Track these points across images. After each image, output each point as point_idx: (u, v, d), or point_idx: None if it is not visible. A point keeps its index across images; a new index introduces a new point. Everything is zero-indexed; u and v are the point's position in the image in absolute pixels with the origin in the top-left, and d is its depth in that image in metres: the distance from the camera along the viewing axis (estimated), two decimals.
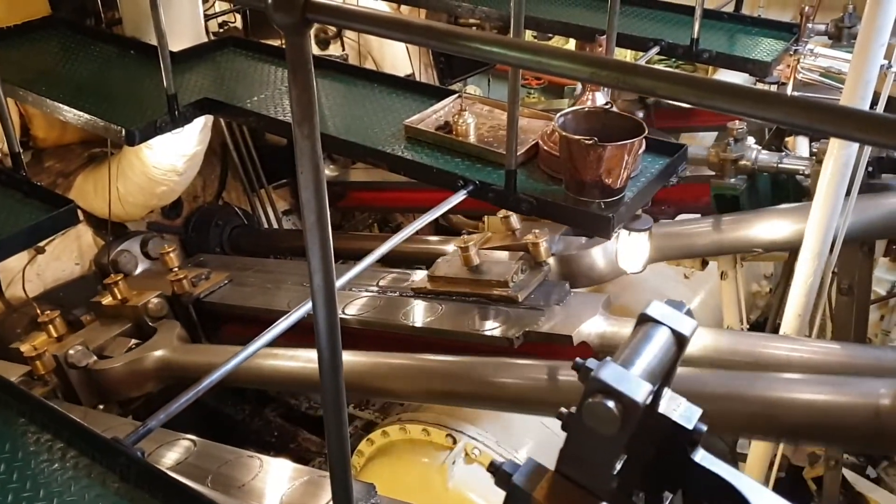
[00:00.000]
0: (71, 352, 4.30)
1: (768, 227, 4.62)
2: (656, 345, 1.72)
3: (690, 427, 1.74)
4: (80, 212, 3.81)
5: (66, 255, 5.68)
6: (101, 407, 4.47)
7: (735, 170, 4.94)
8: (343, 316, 4.17)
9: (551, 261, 4.34)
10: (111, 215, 5.63)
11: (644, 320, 1.77)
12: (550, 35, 5.80)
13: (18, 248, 3.24)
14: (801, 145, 5.78)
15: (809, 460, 5.18)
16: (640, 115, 5.80)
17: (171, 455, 3.17)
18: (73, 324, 5.44)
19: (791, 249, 4.67)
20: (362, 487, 2.67)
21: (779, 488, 4.88)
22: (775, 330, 4.49)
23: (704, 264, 5.88)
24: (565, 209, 3.11)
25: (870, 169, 4.60)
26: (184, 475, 2.20)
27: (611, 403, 1.56)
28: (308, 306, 2.68)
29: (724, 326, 6.05)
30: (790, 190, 5.28)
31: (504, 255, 4.30)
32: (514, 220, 4.54)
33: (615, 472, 1.66)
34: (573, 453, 1.70)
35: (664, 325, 1.74)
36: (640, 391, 1.57)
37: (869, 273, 4.99)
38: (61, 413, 2.30)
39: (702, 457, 1.76)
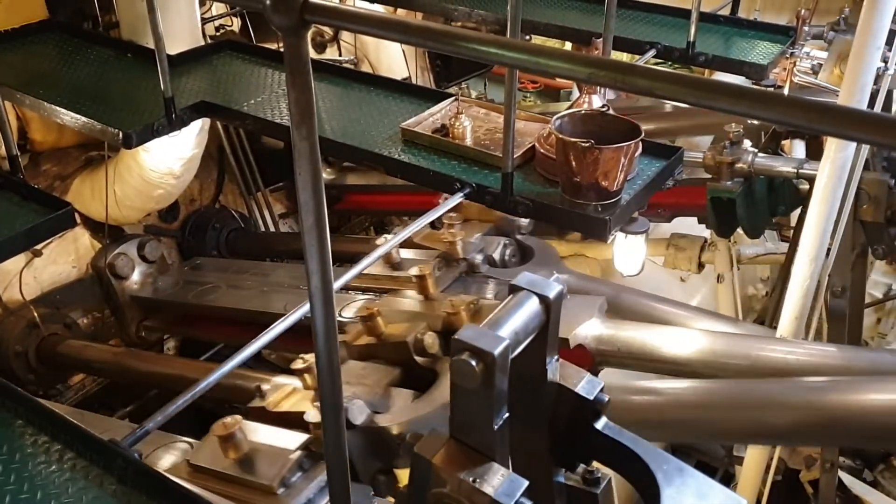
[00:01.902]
0: (348, 406, 2.71)
1: None
2: (521, 309, 1.81)
3: (591, 398, 1.88)
4: (77, 215, 3.80)
5: (62, 258, 5.67)
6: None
7: (731, 173, 4.95)
8: (340, 319, 4.16)
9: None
10: (108, 218, 5.62)
11: (513, 290, 1.86)
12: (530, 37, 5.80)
13: (15, 250, 3.23)
14: (798, 148, 5.80)
15: (806, 463, 5.18)
16: None
17: (168, 458, 3.16)
18: (69, 326, 5.45)
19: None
20: (360, 489, 2.67)
21: (775, 491, 4.89)
22: None
23: (701, 267, 5.89)
24: (562, 212, 3.11)
25: (893, 182, 4.59)
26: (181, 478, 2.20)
27: (472, 361, 1.65)
28: (305, 308, 2.67)
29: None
30: (786, 193, 5.29)
31: (424, 253, 4.25)
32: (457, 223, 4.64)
33: (497, 429, 1.74)
34: (458, 416, 1.79)
35: (531, 291, 1.84)
36: (497, 345, 1.66)
37: (862, 275, 5.00)
38: (59, 415, 2.29)
39: (604, 425, 1.90)
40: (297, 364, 2.79)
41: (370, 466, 2.80)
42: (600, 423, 1.90)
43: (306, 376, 2.78)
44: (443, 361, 3.10)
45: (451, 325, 3.17)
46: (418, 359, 3.06)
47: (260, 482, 2.57)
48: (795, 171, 4.86)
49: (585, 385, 1.91)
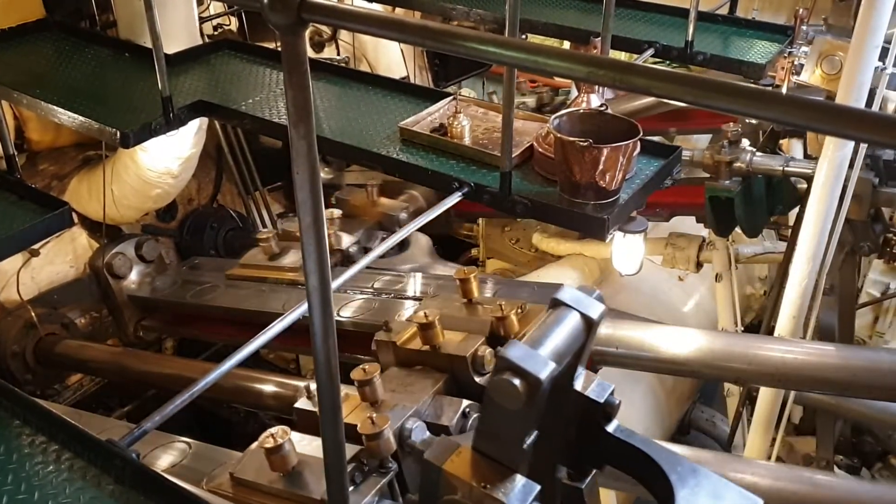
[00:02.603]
0: (408, 425, 2.69)
1: None
2: (565, 327, 1.79)
3: (602, 401, 1.85)
4: (74, 214, 3.80)
5: (60, 258, 5.67)
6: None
7: (729, 172, 4.95)
8: (338, 318, 4.16)
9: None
10: (106, 218, 5.62)
11: (555, 304, 1.84)
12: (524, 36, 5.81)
13: (13, 250, 3.24)
14: (796, 148, 5.80)
15: (804, 461, 5.20)
16: None
17: (167, 457, 3.16)
18: (67, 326, 5.45)
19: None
20: None
21: None
22: (770, 332, 4.50)
23: (699, 266, 5.90)
24: (560, 211, 3.11)
25: (876, 180, 4.60)
26: (179, 477, 2.19)
27: (516, 380, 1.62)
28: (303, 308, 2.67)
29: (718, 328, 6.06)
30: (784, 192, 5.30)
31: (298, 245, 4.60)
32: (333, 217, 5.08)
33: (525, 447, 1.73)
34: (486, 429, 1.78)
35: (574, 308, 1.82)
36: (543, 369, 1.64)
37: (852, 273, 5.01)
38: (56, 415, 2.29)
39: (615, 428, 1.87)
40: (357, 375, 2.68)
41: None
42: (612, 427, 1.88)
43: (366, 389, 2.67)
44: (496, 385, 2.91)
45: (499, 329, 3.08)
46: (476, 378, 2.97)
47: (310, 497, 2.47)
48: (781, 168, 4.87)
49: (596, 388, 1.89)
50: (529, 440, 1.73)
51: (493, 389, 1.68)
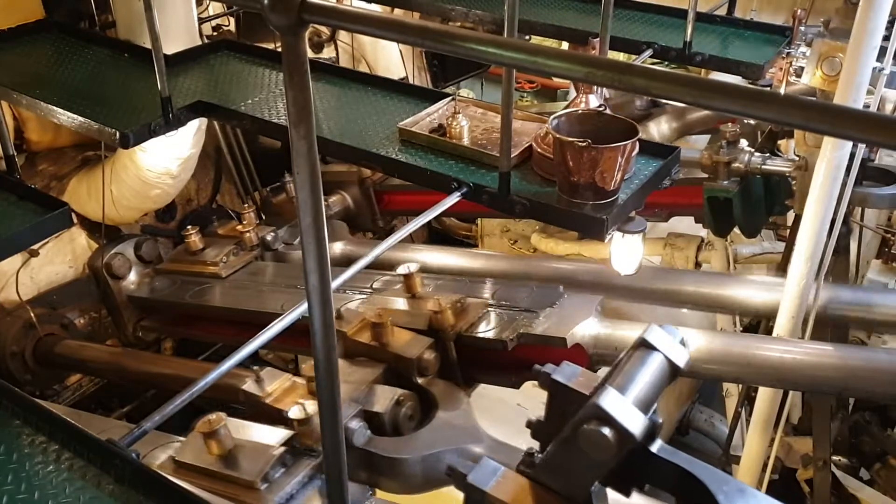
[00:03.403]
0: (351, 425, 2.97)
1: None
2: (651, 371, 1.74)
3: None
4: (73, 215, 3.80)
5: (59, 259, 5.66)
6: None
7: (728, 172, 4.95)
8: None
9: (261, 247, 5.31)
10: (105, 218, 5.62)
11: (641, 344, 1.78)
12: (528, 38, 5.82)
13: (12, 250, 3.24)
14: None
15: (803, 462, 5.20)
16: None
17: (166, 457, 3.16)
18: (66, 327, 5.44)
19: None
20: (357, 489, 2.68)
21: (772, 490, 4.89)
22: (768, 332, 4.50)
23: (698, 266, 5.90)
24: (559, 211, 3.11)
25: None
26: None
27: (607, 431, 1.58)
28: (303, 308, 2.68)
29: (717, 328, 6.06)
30: (783, 193, 5.30)
31: (224, 242, 5.31)
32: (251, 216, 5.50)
33: (593, 490, 1.70)
34: (556, 466, 1.73)
35: (660, 352, 1.76)
36: (637, 423, 1.59)
37: (844, 273, 5.02)
38: (56, 415, 2.29)
39: (659, 447, 1.80)
40: (307, 371, 2.94)
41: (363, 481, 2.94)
42: (655, 446, 1.80)
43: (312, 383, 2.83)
44: (436, 383, 3.39)
45: (437, 323, 3.51)
46: (419, 379, 3.30)
47: (242, 478, 2.65)
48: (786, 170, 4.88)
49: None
50: (597, 484, 1.69)
51: (583, 438, 1.62)
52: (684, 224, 6.13)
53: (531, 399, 5.01)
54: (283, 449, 2.76)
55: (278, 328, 2.73)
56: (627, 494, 1.87)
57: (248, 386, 3.17)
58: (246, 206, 5.74)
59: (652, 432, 1.77)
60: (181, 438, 3.25)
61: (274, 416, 2.98)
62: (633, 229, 3.89)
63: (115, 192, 5.50)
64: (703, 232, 5.87)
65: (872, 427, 5.44)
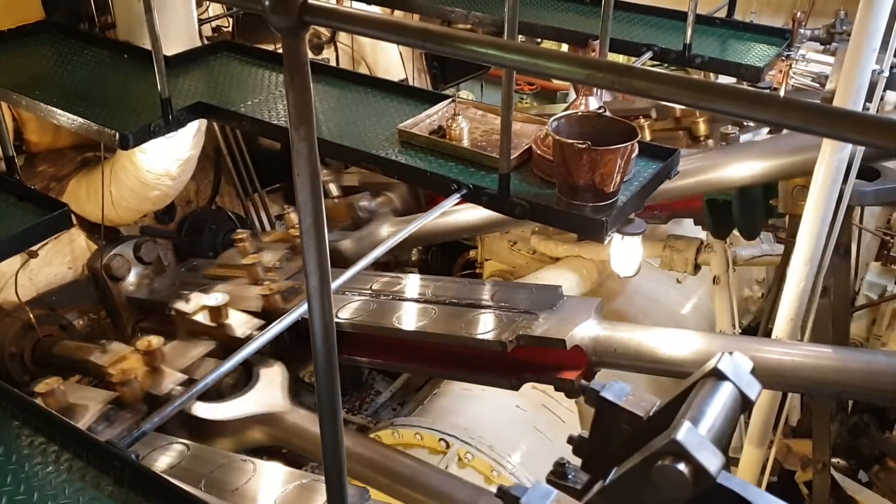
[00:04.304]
0: (174, 393, 3.71)
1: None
2: (723, 404, 1.67)
3: None
4: (73, 216, 3.80)
5: (58, 260, 5.67)
6: None
7: None
8: (336, 320, 4.17)
9: None
10: (104, 219, 5.62)
11: (714, 374, 1.73)
12: (538, 40, 5.83)
13: (11, 251, 3.23)
14: None
15: (802, 464, 5.20)
16: None
17: (165, 459, 3.17)
18: (66, 328, 5.44)
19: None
20: (356, 491, 2.68)
21: (770, 492, 4.89)
22: (768, 334, 4.50)
23: (697, 269, 5.90)
24: (558, 213, 3.11)
25: None
26: (177, 479, 2.20)
27: (684, 468, 1.53)
28: (302, 309, 2.68)
29: (716, 331, 6.07)
30: None
31: (276, 246, 5.18)
32: (293, 216, 5.36)
33: None
34: (618, 495, 1.69)
35: (733, 384, 1.70)
36: (714, 462, 1.54)
37: (846, 275, 5.02)
38: (55, 416, 2.29)
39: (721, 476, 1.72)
40: (143, 345, 3.82)
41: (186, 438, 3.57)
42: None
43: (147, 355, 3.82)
44: (263, 359, 4.18)
45: (269, 305, 4.38)
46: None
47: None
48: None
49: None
50: None
51: (658, 475, 1.57)
52: (684, 226, 6.15)
53: (530, 400, 5.02)
54: (109, 406, 3.54)
55: (278, 329, 2.74)
56: None
57: (94, 357, 3.99)
58: (288, 208, 5.70)
59: None
60: (181, 440, 3.27)
61: (107, 380, 3.78)
62: (633, 231, 3.91)
63: (114, 194, 5.50)
64: (703, 234, 5.87)
65: (871, 429, 5.45)
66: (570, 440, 1.77)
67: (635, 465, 1.63)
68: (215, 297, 4.28)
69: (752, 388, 1.71)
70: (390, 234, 5.48)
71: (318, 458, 3.97)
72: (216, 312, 4.24)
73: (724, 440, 1.65)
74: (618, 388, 1.78)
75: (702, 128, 5.77)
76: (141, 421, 3.19)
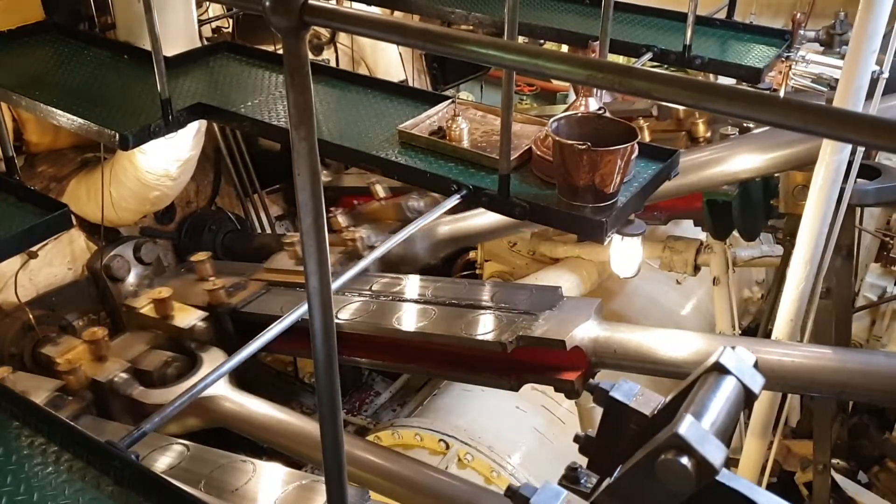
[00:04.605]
0: (116, 379, 4.12)
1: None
2: (726, 398, 1.67)
3: None
4: (72, 216, 3.80)
5: (58, 260, 5.66)
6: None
7: None
8: (336, 320, 4.16)
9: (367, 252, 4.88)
10: (104, 220, 5.62)
11: (716, 368, 1.73)
12: (542, 41, 5.83)
13: (11, 252, 3.23)
14: None
15: (801, 465, 5.20)
16: None
17: (165, 459, 3.17)
18: (65, 328, 5.44)
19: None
20: (356, 492, 2.68)
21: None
22: (767, 335, 4.51)
23: (697, 270, 5.91)
24: (558, 213, 3.11)
25: None
26: (177, 479, 2.20)
27: (687, 462, 1.52)
28: (302, 309, 2.68)
29: (716, 332, 6.07)
30: None
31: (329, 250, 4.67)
32: (342, 217, 5.36)
33: None
34: (624, 493, 1.68)
35: (736, 378, 1.70)
36: (717, 455, 1.53)
37: (848, 276, 5.02)
38: (55, 416, 2.29)
39: (721, 474, 1.70)
40: (88, 335, 4.20)
41: (129, 422, 4.02)
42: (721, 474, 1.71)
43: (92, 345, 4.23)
44: (206, 347, 4.47)
45: (214, 299, 4.69)
46: (190, 343, 4.45)
47: None
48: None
49: None
50: None
51: (661, 469, 1.56)
52: (683, 227, 6.15)
53: (530, 402, 5.02)
54: (55, 394, 3.90)
55: (278, 330, 2.73)
56: None
57: (46, 349, 4.41)
58: (337, 209, 5.56)
59: None
60: (180, 441, 3.27)
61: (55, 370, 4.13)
62: (633, 232, 3.91)
63: (114, 194, 5.50)
64: (703, 235, 5.87)
65: (871, 430, 5.45)
66: (577, 439, 1.77)
67: (639, 460, 1.62)
68: (159, 292, 4.66)
69: (755, 382, 1.71)
70: (445, 234, 5.46)
71: (259, 438, 4.23)
72: (162, 306, 4.60)
73: (728, 434, 1.64)
74: (626, 387, 1.78)
75: (701, 129, 5.76)
76: (86, 408, 3.98)
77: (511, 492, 1.79)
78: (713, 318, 6.22)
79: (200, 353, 4.48)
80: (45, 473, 2.13)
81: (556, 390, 3.89)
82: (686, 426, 1.54)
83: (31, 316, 5.21)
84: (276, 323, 2.73)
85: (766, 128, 4.97)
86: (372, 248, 4.98)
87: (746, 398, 1.70)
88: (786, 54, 4.95)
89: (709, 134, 5.76)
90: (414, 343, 4.15)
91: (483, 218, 5.33)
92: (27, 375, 4.27)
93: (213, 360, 4.42)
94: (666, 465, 1.55)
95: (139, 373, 4.25)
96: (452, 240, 5.58)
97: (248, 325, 4.69)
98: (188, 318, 4.54)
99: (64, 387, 4.05)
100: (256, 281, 5.00)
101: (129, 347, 4.46)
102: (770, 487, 4.74)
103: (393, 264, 5.28)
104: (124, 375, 4.15)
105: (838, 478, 5.19)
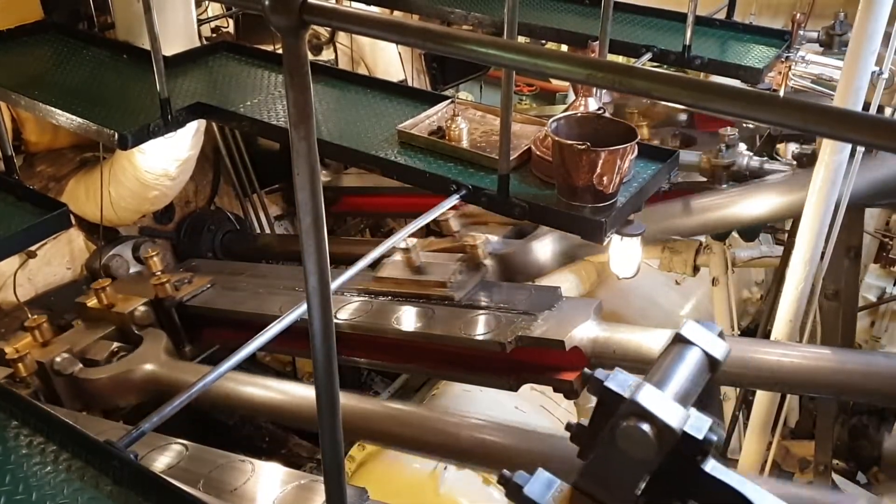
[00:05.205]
0: (58, 359, 4.27)
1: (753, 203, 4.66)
2: (689, 367, 1.70)
3: (701, 437, 1.71)
4: (71, 216, 3.80)
5: (57, 260, 5.66)
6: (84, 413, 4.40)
7: (727, 176, 4.96)
8: (335, 321, 4.16)
9: (489, 261, 4.58)
10: (103, 220, 5.62)
11: (678, 340, 1.75)
12: (543, 42, 5.84)
13: (10, 251, 3.23)
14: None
15: (800, 466, 5.20)
16: None
17: (163, 459, 3.16)
18: (64, 328, 5.43)
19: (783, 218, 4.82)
20: (355, 492, 2.67)
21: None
22: (766, 336, 4.50)
23: (696, 270, 5.90)
24: (558, 214, 3.11)
25: None
26: (176, 479, 2.19)
27: (647, 428, 1.54)
28: (302, 309, 2.67)
29: None
30: None
31: (445, 257, 4.56)
32: (454, 222, 5.05)
33: (638, 494, 1.64)
34: (597, 471, 1.68)
35: (698, 346, 1.72)
36: (676, 417, 1.55)
37: (855, 278, 5.02)
38: (54, 416, 2.29)
39: (712, 467, 1.74)
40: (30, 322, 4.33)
41: (76, 406, 4.27)
42: (709, 465, 1.73)
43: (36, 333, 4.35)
44: (147, 332, 4.61)
45: (162, 293, 4.76)
46: (133, 326, 4.61)
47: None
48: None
49: (695, 423, 1.73)
50: (642, 487, 1.64)
51: (621, 435, 1.58)
52: None
53: (529, 402, 5.02)
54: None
55: (276, 330, 2.73)
56: None
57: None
58: (450, 212, 5.02)
59: (704, 450, 1.72)
60: (179, 440, 3.26)
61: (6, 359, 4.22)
62: (632, 232, 3.89)
63: (113, 194, 5.50)
64: (702, 236, 5.87)
65: (870, 431, 5.45)
66: (569, 427, 1.77)
67: (604, 434, 1.63)
68: (100, 282, 4.77)
69: (718, 349, 1.73)
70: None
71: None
72: (103, 295, 4.70)
73: (691, 399, 1.66)
74: (621, 377, 1.78)
75: (645, 132, 5.83)
76: (33, 394, 4.15)
77: (504, 479, 1.78)
78: (712, 319, 6.21)
79: (145, 336, 4.62)
80: (44, 473, 2.13)
81: (556, 390, 3.88)
82: (641, 392, 1.56)
83: (29, 315, 5.21)
84: (275, 322, 2.73)
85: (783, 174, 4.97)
86: (492, 255, 4.63)
87: (710, 365, 1.72)
88: (785, 55, 4.95)
89: (656, 141, 5.77)
90: (413, 343, 4.15)
91: None
92: None
93: (155, 339, 4.56)
94: (626, 432, 1.57)
95: (88, 362, 4.41)
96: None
97: (195, 318, 4.87)
98: (130, 305, 4.69)
99: (13, 374, 4.22)
100: (371, 291, 4.51)
101: (78, 338, 4.59)
102: None
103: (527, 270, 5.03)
104: (65, 355, 4.31)
105: (836, 478, 5.19)
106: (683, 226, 4.86)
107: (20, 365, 4.23)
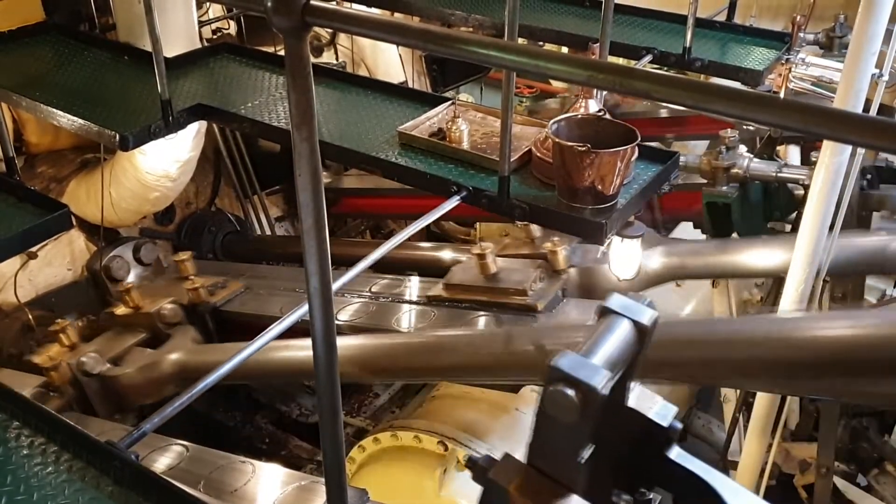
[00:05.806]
0: (84, 359, 4.25)
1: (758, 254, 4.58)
2: (617, 336, 1.72)
3: (666, 424, 1.76)
4: (72, 217, 3.81)
5: (58, 261, 5.66)
6: (118, 417, 4.40)
7: (727, 178, 4.96)
8: (336, 322, 4.15)
9: (572, 271, 4.33)
10: (104, 221, 5.62)
11: (604, 313, 1.77)
12: (542, 43, 5.84)
13: (11, 252, 3.24)
14: (793, 154, 5.82)
15: (800, 468, 5.20)
16: None
17: (164, 460, 3.17)
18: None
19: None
20: (355, 493, 2.68)
21: (770, 496, 4.90)
22: None
23: None
24: (558, 215, 3.12)
25: (868, 177, 4.62)
26: (176, 480, 2.19)
27: (570, 391, 1.56)
28: (303, 310, 2.68)
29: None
30: (781, 199, 5.30)
31: (522, 263, 4.29)
32: (535, 227, 4.58)
33: (582, 462, 1.66)
34: (540, 444, 1.71)
35: (624, 316, 1.75)
36: (598, 378, 1.57)
37: (862, 281, 5.02)
38: (55, 416, 2.29)
39: (677, 454, 1.78)
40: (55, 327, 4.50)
41: (109, 409, 4.30)
42: (673, 453, 1.78)
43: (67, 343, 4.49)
44: (180, 328, 4.64)
45: (196, 298, 4.79)
46: (161, 325, 4.59)
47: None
48: (775, 174, 4.88)
49: (660, 411, 1.79)
50: (585, 455, 1.65)
51: (547, 401, 1.61)
52: (683, 229, 6.14)
53: (529, 403, 5.01)
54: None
55: (278, 330, 2.74)
56: (633, 494, 1.84)
57: (27, 356, 4.52)
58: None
59: (668, 437, 1.76)
60: (180, 441, 3.27)
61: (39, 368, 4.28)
62: (632, 234, 3.90)
63: (113, 195, 5.50)
64: (702, 237, 5.87)
65: (870, 433, 5.45)
66: None
67: (537, 407, 1.66)
68: (124, 284, 4.92)
69: (644, 315, 1.74)
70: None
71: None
72: (131, 297, 4.74)
73: (620, 365, 1.68)
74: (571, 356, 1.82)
75: None
76: (68, 404, 4.18)
77: (471, 462, 1.81)
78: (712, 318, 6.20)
79: (171, 332, 4.66)
80: (45, 473, 2.13)
81: None
82: (561, 358, 1.59)
83: (30, 316, 5.22)
84: (276, 323, 2.73)
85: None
86: (573, 267, 4.35)
87: (639, 332, 1.73)
88: (786, 57, 4.95)
89: None
90: None
91: None
92: (11, 373, 4.44)
93: (183, 334, 4.59)
94: (552, 397, 1.59)
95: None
96: None
97: (229, 323, 4.84)
98: (157, 304, 4.70)
99: (47, 383, 4.22)
100: (439, 298, 4.29)
101: (110, 344, 4.62)
102: (769, 490, 4.74)
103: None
104: (93, 355, 4.31)
105: (837, 481, 5.18)
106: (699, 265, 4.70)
107: (54, 374, 4.22)
